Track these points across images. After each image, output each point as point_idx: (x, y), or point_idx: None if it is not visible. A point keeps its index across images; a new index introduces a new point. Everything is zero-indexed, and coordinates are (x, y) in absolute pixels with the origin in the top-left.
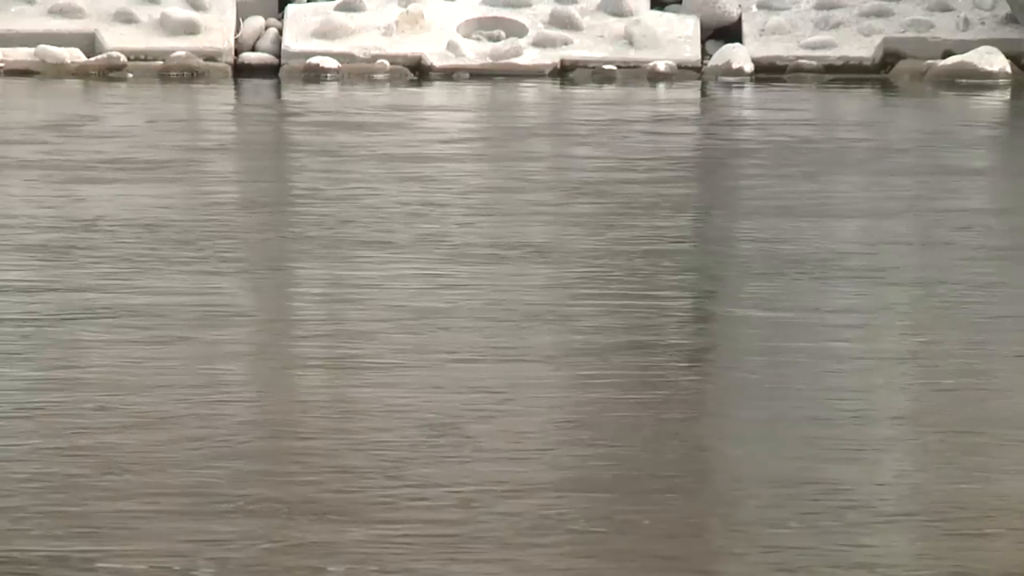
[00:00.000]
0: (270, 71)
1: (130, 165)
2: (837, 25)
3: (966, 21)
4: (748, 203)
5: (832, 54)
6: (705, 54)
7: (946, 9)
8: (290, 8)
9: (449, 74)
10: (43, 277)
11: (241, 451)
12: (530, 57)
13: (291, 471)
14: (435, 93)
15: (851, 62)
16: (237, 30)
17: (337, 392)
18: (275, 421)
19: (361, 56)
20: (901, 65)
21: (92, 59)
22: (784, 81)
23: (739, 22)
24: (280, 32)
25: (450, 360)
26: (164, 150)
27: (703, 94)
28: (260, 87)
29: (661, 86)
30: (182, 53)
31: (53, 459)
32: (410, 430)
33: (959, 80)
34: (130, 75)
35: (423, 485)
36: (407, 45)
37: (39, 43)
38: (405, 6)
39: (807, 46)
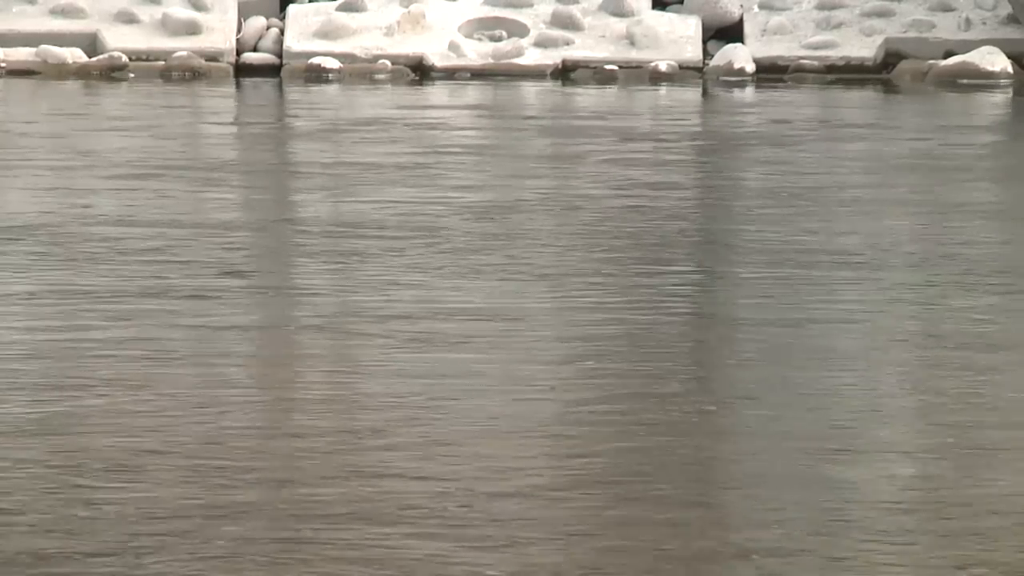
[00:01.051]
0: (271, 71)
1: (379, 168)
2: (839, 25)
3: (967, 21)
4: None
5: (834, 54)
6: (707, 54)
7: (947, 9)
8: (292, 8)
9: (451, 74)
10: (327, 282)
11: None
12: (532, 57)
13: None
14: (590, 93)
15: (852, 62)
16: (239, 30)
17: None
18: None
19: (363, 56)
20: (903, 65)
21: (94, 59)
22: (785, 81)
23: (741, 22)
24: (282, 32)
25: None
26: (408, 154)
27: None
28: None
29: (663, 87)
30: (184, 53)
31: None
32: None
33: (960, 80)
34: (131, 75)
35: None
36: (408, 45)
37: (41, 43)
38: (407, 6)
39: (808, 46)
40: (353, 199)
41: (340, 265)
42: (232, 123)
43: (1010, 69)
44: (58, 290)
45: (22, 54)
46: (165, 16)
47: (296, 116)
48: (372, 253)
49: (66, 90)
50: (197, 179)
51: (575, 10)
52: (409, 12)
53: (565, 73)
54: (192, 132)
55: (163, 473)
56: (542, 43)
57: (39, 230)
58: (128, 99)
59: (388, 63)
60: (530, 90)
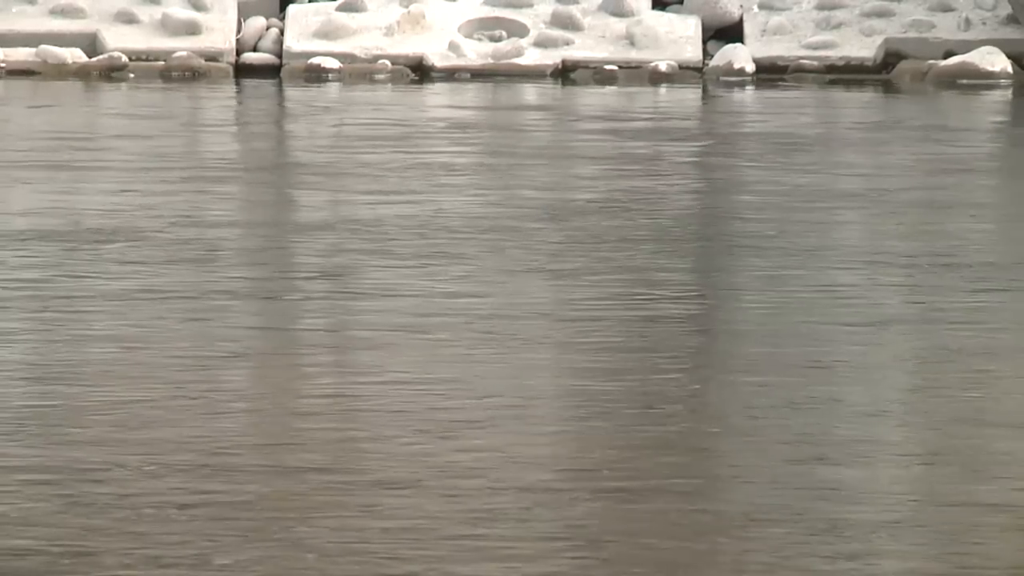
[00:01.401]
0: (271, 71)
1: (446, 169)
2: (838, 25)
3: (967, 21)
4: None
5: (833, 54)
6: (706, 54)
7: (947, 9)
8: (291, 8)
9: (451, 74)
10: (411, 284)
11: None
12: (531, 57)
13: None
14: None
15: (852, 62)
16: (238, 30)
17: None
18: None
19: (362, 56)
20: (902, 65)
21: (93, 59)
22: (786, 82)
23: (740, 22)
24: (281, 32)
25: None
26: (469, 155)
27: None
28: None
29: (663, 87)
30: (183, 53)
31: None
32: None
33: (960, 80)
34: (131, 75)
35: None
36: (408, 45)
37: (40, 43)
38: (406, 6)
39: (808, 46)
40: (425, 199)
41: (421, 266)
42: (274, 124)
43: (1010, 69)
44: (148, 289)
45: (22, 54)
46: (165, 16)
47: (337, 117)
48: (453, 254)
49: (94, 91)
50: (265, 180)
51: (575, 10)
52: (409, 12)
53: (565, 73)
54: (240, 132)
55: (238, 473)
56: (542, 43)
57: (127, 232)
58: (157, 99)
59: (388, 63)
60: (556, 91)
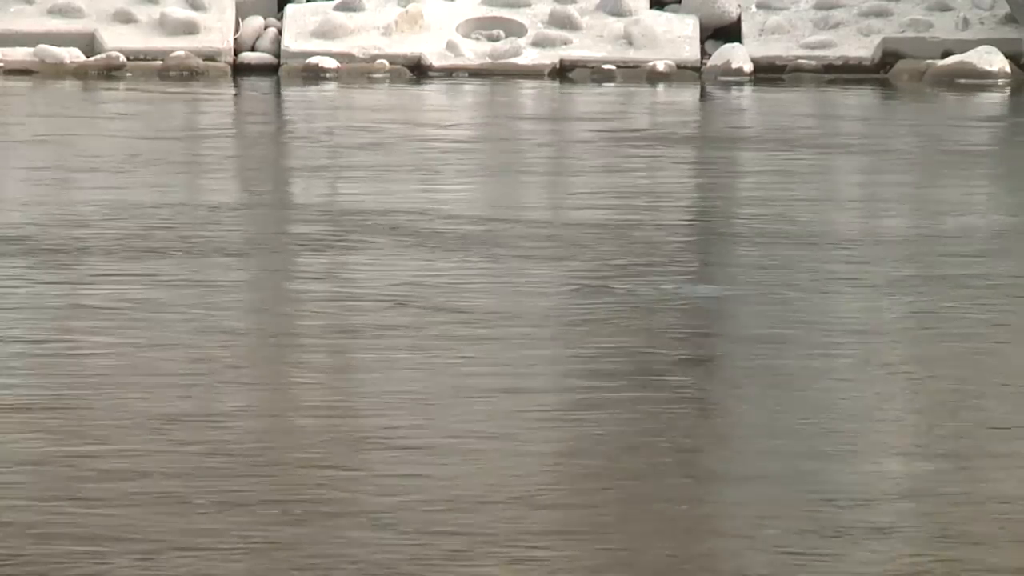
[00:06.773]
0: (269, 71)
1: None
2: (836, 25)
3: (965, 21)
4: None
5: (831, 54)
6: (704, 54)
7: (945, 9)
8: (289, 8)
9: (449, 74)
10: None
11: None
12: (529, 57)
13: None
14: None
15: (850, 62)
16: (236, 30)
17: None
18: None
19: (360, 56)
20: (900, 65)
21: (91, 59)
22: (784, 81)
23: (738, 22)
24: (279, 32)
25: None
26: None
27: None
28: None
29: (661, 86)
30: (181, 53)
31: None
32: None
33: (958, 80)
34: (129, 75)
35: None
36: (406, 45)
37: (38, 43)
38: (404, 6)
39: (806, 46)
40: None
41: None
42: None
43: (1008, 69)
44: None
45: (20, 54)
46: (163, 16)
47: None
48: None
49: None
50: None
51: (573, 10)
52: (407, 12)
53: (563, 73)
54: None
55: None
56: (540, 43)
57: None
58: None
59: (386, 63)
60: (586, 94)
